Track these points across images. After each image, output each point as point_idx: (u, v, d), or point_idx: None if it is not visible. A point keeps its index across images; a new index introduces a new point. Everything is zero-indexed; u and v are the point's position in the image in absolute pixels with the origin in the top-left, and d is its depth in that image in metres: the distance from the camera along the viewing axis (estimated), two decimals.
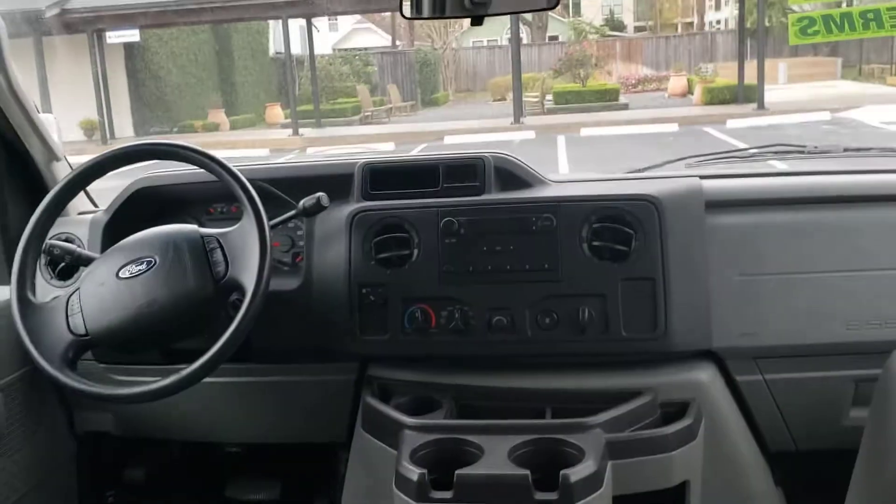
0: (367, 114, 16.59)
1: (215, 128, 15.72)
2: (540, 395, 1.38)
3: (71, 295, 1.32)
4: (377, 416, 1.38)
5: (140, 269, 1.29)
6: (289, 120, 14.90)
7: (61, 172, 1.73)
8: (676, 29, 28.71)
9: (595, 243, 1.37)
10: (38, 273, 1.53)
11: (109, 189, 1.70)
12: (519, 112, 13.79)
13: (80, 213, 1.72)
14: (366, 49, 22.04)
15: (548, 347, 1.38)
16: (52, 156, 1.71)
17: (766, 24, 15.03)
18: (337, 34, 25.98)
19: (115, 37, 13.78)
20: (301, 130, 14.09)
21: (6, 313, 1.32)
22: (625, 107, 15.34)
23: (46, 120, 1.68)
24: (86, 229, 1.60)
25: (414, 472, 1.17)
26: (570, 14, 27.14)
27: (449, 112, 17.54)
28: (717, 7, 29.88)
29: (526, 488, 1.13)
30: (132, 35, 13.80)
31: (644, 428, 1.30)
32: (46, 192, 1.40)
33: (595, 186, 1.51)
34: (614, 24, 28.91)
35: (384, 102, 17.88)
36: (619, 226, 1.37)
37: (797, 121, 11.08)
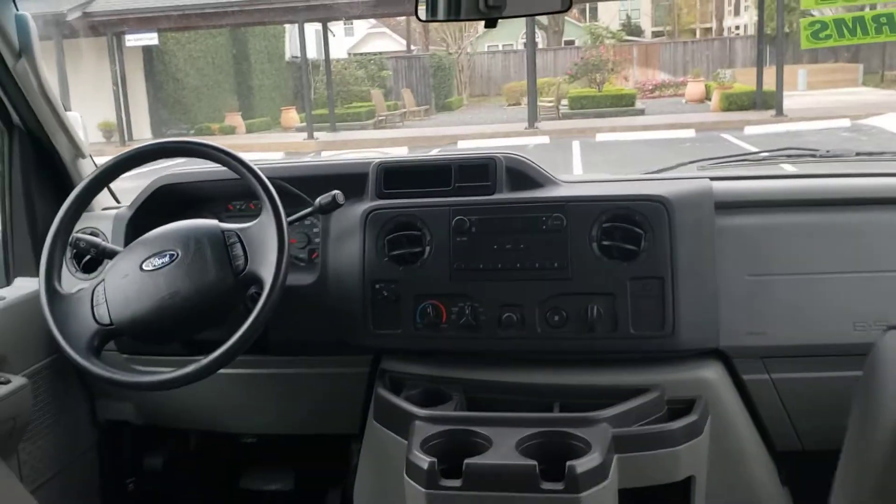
0: (381, 118, 16.66)
1: (231, 131, 15.86)
2: (548, 391, 1.41)
3: (96, 286, 1.36)
4: (389, 408, 1.42)
5: (163, 262, 1.34)
6: (304, 124, 15.01)
7: (87, 169, 1.78)
8: (695, 34, 28.59)
9: (605, 242, 1.40)
10: (65, 266, 1.58)
11: (129, 190, 1.76)
12: (533, 117, 13.80)
13: (104, 209, 1.77)
14: (381, 53, 22.13)
15: (556, 344, 1.40)
16: (79, 153, 1.76)
17: (786, 29, 14.93)
18: (353, 39, 26.13)
19: (133, 40, 13.94)
20: (316, 134, 14.18)
21: (35, 303, 1.36)
22: (641, 112, 15.29)
23: (73, 118, 1.73)
24: (110, 224, 1.65)
25: (424, 461, 1.20)
26: (588, 19, 27.12)
27: (463, 116, 17.56)
28: (737, 13, 29.71)
29: (533, 478, 1.16)
30: (151, 38, 13.96)
31: (650, 424, 1.33)
32: (73, 188, 1.45)
33: (605, 187, 1.53)
34: (631, 29, 28.85)
35: (398, 107, 17.94)
36: (628, 225, 1.39)
37: (816, 127, 10.97)
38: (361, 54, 22.85)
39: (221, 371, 1.31)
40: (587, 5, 27.73)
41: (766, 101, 13.15)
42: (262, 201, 1.34)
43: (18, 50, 1.56)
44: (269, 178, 1.35)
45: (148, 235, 1.41)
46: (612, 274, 1.38)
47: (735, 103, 14.20)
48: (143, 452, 1.86)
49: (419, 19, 1.37)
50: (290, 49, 19.74)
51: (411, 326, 1.45)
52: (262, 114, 17.69)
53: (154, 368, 1.46)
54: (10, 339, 1.51)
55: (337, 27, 21.48)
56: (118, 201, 1.83)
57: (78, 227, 1.49)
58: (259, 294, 1.28)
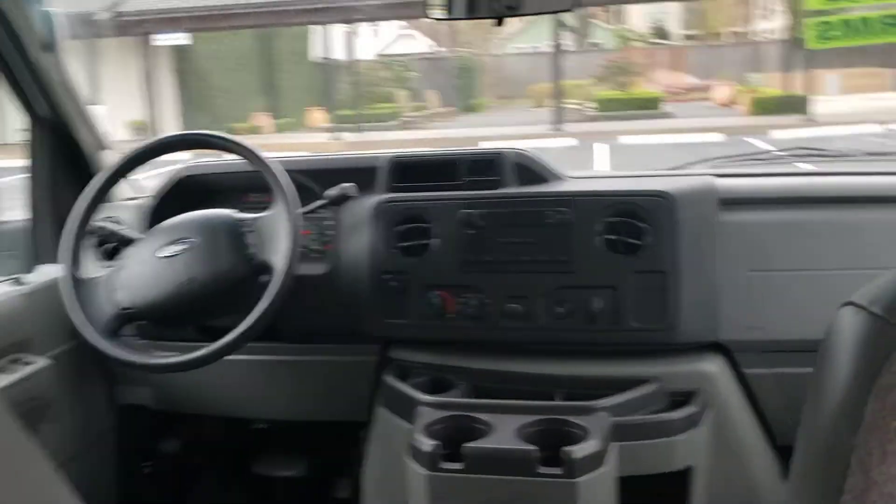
0: (406, 119, 16.74)
1: (258, 130, 16.05)
2: (550, 380, 1.43)
3: (115, 272, 1.42)
4: (395, 394, 1.46)
5: (180, 249, 1.38)
6: (329, 124, 15.14)
7: (109, 160, 1.84)
8: (724, 38, 28.26)
9: (609, 237, 1.42)
10: (88, 253, 1.64)
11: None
12: (558, 119, 13.77)
13: (127, 199, 1.83)
14: (407, 55, 22.22)
15: (559, 335, 1.43)
16: (100, 144, 1.83)
17: None
18: (379, 40, 26.26)
19: (161, 39, 14.19)
20: (341, 134, 14.30)
21: (57, 288, 1.42)
22: (668, 115, 15.18)
23: (97, 112, 1.80)
24: (130, 213, 1.70)
25: (428, 444, 1.23)
26: (614, 21, 26.97)
27: (488, 118, 17.56)
28: (766, 16, 29.32)
29: (531, 462, 1.19)
30: (181, 38, 14.20)
31: (650, 414, 1.35)
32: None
33: (610, 182, 1.55)
34: (659, 32, 28.63)
35: (424, 108, 18.01)
36: (632, 220, 1.41)
37: (845, 132, 10.80)
38: (388, 56, 22.96)
39: (235, 357, 1.35)
40: (614, 8, 27.56)
41: (795, 106, 12.98)
42: (275, 192, 1.38)
43: (45, 44, 1.63)
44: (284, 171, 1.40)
45: (166, 224, 1.46)
46: (615, 268, 1.40)
47: (764, 107, 14.04)
48: (159, 437, 1.92)
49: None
50: (316, 50, 19.91)
51: (418, 316, 1.48)
52: (288, 114, 17.83)
53: (169, 353, 1.51)
54: (34, 323, 1.57)
55: (363, 29, 21.60)
56: (138, 193, 1.89)
57: (101, 216, 1.55)
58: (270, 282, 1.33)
